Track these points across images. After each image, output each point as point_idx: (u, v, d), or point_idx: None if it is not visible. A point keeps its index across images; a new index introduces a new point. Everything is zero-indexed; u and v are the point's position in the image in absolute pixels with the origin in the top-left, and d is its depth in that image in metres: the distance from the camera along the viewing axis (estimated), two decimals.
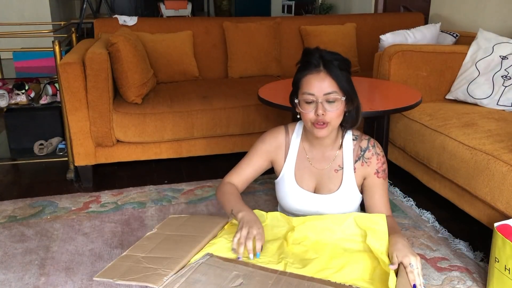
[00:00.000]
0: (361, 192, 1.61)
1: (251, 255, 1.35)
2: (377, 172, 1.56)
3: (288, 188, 1.61)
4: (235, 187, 1.64)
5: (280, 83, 2.59)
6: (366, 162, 1.55)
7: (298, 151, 1.61)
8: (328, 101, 1.43)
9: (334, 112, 1.43)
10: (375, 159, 1.55)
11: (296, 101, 1.48)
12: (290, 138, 1.62)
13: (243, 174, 1.66)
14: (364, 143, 1.56)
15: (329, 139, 1.54)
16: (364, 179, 1.58)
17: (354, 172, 1.56)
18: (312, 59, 1.44)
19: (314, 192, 1.59)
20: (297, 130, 1.63)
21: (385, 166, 1.57)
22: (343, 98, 1.44)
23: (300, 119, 1.53)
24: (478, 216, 2.01)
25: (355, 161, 1.56)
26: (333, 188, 1.57)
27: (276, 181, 1.66)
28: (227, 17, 5.42)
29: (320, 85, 1.42)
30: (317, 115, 1.42)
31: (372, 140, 1.57)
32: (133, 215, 2.29)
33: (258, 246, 1.37)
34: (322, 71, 1.42)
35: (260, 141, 1.66)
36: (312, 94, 1.42)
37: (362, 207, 1.66)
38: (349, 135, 1.58)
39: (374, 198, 1.57)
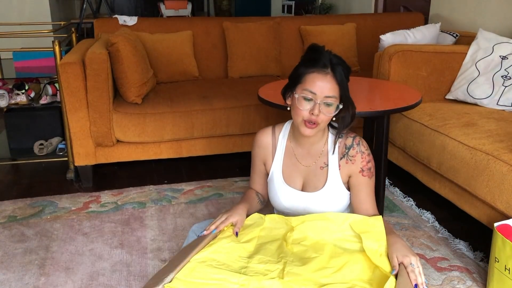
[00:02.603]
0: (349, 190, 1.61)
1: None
2: (362, 170, 1.54)
3: (277, 186, 1.61)
4: (252, 192, 1.69)
5: (280, 83, 2.58)
6: (350, 160, 1.54)
7: (285, 149, 1.62)
8: (326, 104, 1.43)
9: (327, 116, 1.45)
10: (360, 157, 1.54)
11: (296, 95, 1.46)
12: (276, 138, 1.63)
13: (256, 181, 1.71)
14: (349, 141, 1.55)
15: (315, 137, 1.55)
16: (350, 177, 1.57)
17: (339, 169, 1.55)
18: (322, 58, 1.44)
19: (302, 190, 1.60)
20: (284, 130, 1.64)
21: (370, 164, 1.55)
22: (340, 106, 1.45)
23: (289, 111, 1.53)
24: (478, 216, 2.01)
25: (340, 158, 1.55)
26: (319, 185, 1.57)
27: (268, 180, 1.67)
28: (227, 17, 5.42)
29: (324, 86, 1.42)
30: (312, 114, 1.43)
31: (358, 138, 1.56)
32: (133, 215, 2.29)
33: (235, 229, 1.46)
34: (330, 73, 1.42)
35: (253, 145, 1.68)
36: (314, 93, 1.42)
37: None
38: (335, 132, 1.58)
39: (360, 197, 1.56)
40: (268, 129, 1.65)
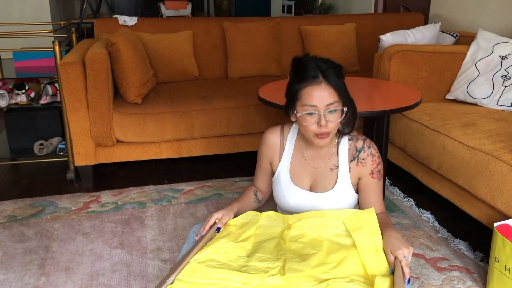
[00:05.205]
0: (357, 191, 1.61)
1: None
2: (372, 172, 1.55)
3: (284, 185, 1.61)
4: (251, 190, 1.72)
5: (280, 83, 2.59)
6: (361, 163, 1.55)
7: (293, 149, 1.61)
8: (330, 111, 1.41)
9: (335, 122, 1.43)
10: (370, 160, 1.55)
11: (298, 114, 1.44)
12: (285, 138, 1.63)
13: (260, 178, 1.73)
14: (359, 144, 1.55)
15: None
16: (359, 179, 1.57)
17: (349, 171, 1.56)
18: (309, 69, 1.41)
19: (310, 190, 1.60)
20: (293, 130, 1.63)
21: (380, 167, 1.57)
22: (345, 109, 1.43)
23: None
24: (478, 216, 2.01)
25: (350, 161, 1.56)
26: (328, 186, 1.57)
27: (273, 179, 1.67)
28: (227, 17, 5.42)
29: (322, 96, 1.39)
30: (320, 126, 1.41)
31: (368, 141, 1.57)
32: (133, 215, 2.30)
33: (217, 224, 1.50)
34: (323, 82, 1.39)
35: (260, 144, 1.67)
36: (315, 106, 1.40)
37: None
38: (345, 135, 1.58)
39: (369, 199, 1.57)
40: (277, 128, 1.65)
